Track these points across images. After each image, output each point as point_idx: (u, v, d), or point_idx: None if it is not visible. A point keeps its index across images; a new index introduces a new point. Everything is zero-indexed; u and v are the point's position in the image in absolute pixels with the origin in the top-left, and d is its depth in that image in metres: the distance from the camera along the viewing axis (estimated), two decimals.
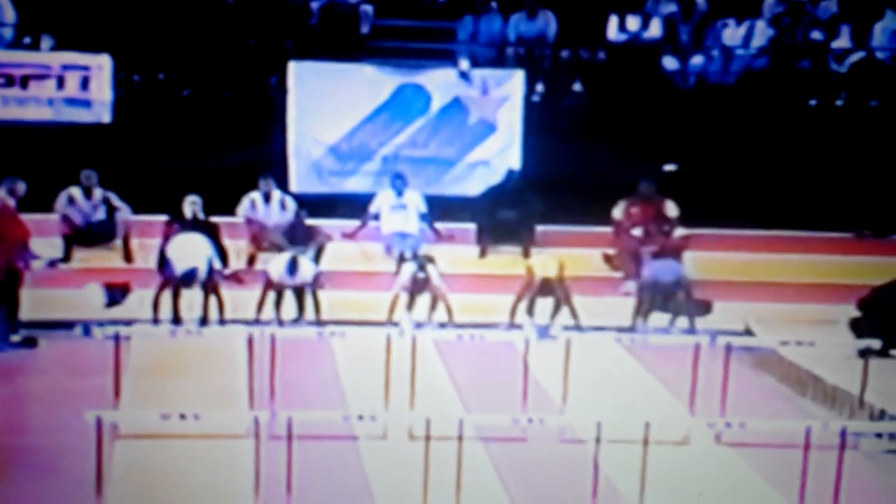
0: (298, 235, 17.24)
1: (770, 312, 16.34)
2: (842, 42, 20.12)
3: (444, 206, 18.87)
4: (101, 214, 17.13)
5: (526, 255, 17.85)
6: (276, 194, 17.50)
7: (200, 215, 16.66)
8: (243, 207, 17.50)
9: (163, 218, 16.94)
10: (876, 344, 13.61)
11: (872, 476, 11.71)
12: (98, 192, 17.11)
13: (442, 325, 15.92)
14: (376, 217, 18.13)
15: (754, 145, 19.33)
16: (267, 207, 17.46)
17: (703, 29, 20.18)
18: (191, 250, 15.60)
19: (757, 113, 19.61)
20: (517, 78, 19.20)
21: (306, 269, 16.00)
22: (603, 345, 14.55)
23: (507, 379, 13.17)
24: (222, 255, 16.29)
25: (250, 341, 12.90)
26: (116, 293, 15.82)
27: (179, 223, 16.39)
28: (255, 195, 17.46)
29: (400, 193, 18.43)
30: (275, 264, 16.07)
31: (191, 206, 16.77)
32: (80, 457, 10.50)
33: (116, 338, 12.66)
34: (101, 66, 18.65)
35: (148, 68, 19.64)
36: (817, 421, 11.24)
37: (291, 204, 17.56)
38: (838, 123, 19.58)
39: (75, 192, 17.01)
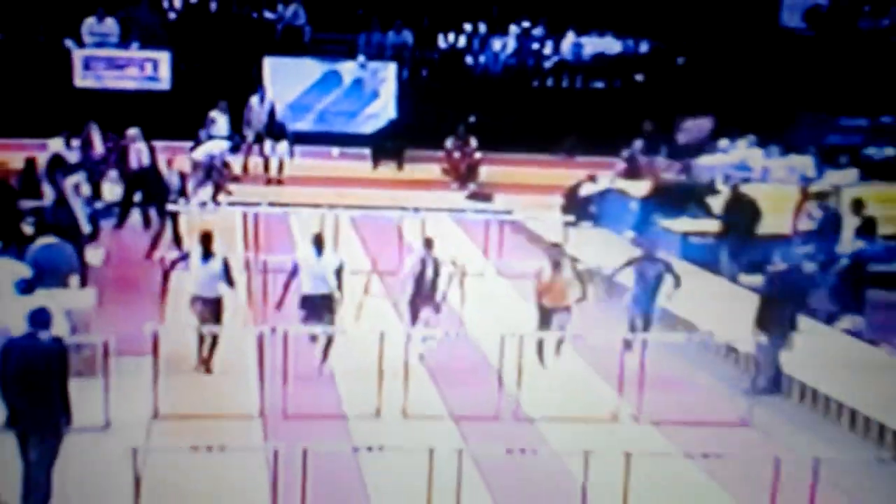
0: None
1: (526, 201, 17.64)
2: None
3: (352, 140, 20.52)
4: None
5: (399, 167, 19.90)
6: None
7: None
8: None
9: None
10: (571, 219, 15.54)
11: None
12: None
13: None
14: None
15: (516, 107, 20.98)
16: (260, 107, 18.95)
17: (488, 41, 22.11)
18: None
19: (515, 90, 21.49)
20: (392, 68, 21.26)
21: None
22: (442, 223, 15.07)
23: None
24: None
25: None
26: None
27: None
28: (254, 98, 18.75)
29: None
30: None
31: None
32: None
33: None
34: None
35: None
36: (543, 262, 11.74)
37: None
38: (565, 101, 21.27)
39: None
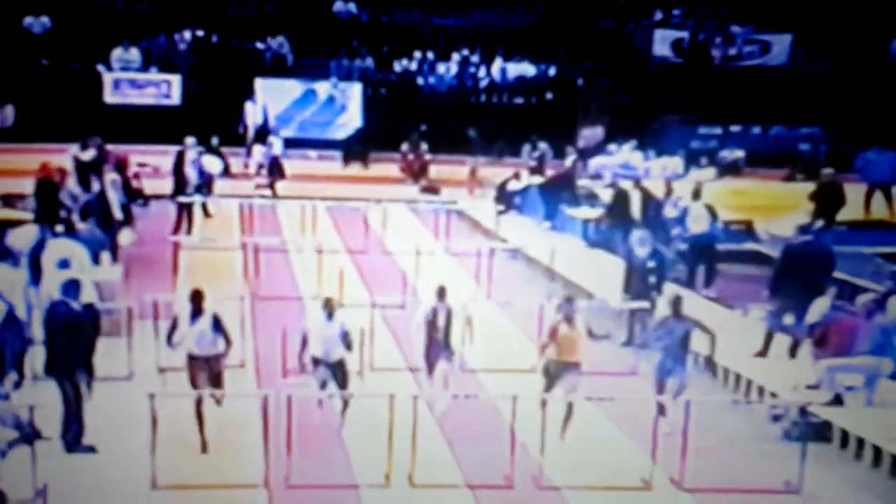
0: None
1: (466, 194, 17.05)
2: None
3: (327, 144, 19.88)
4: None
5: (365, 166, 19.14)
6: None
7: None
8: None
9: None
10: (502, 208, 15.39)
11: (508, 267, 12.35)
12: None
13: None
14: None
15: (457, 118, 20.09)
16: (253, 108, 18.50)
17: (434, 66, 21.33)
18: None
19: (456, 104, 21.01)
20: (357, 87, 20.68)
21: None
22: (400, 211, 14.95)
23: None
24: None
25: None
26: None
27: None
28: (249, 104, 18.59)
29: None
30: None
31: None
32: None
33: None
34: None
35: None
36: (483, 242, 12.79)
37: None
38: (495, 113, 20.74)
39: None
